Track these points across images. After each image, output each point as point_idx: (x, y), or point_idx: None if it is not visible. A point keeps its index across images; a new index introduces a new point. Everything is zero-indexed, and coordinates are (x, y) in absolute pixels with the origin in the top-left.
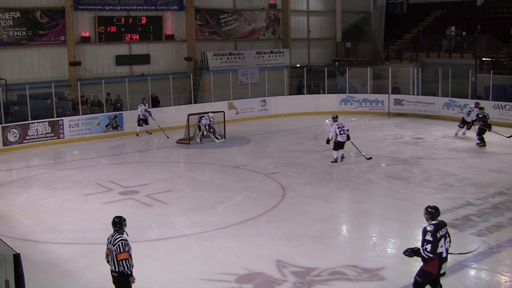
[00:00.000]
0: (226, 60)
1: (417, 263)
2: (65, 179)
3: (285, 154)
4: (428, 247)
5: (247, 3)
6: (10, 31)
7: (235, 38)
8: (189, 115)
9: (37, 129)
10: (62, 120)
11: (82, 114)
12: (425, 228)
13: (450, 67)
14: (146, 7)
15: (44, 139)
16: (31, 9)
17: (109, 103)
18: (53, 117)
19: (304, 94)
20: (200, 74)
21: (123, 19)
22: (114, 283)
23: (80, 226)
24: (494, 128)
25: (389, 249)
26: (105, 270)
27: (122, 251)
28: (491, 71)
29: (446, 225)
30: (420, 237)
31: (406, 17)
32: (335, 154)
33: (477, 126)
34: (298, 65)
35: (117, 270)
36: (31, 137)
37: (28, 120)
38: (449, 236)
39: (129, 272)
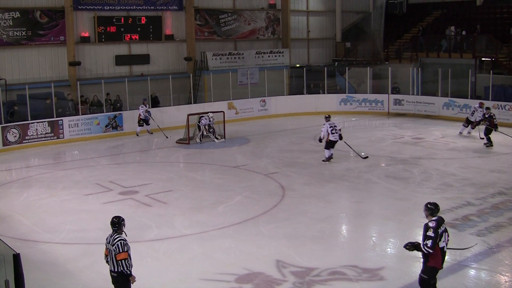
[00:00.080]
0: (226, 60)
1: (417, 263)
2: (65, 179)
3: (285, 154)
4: (429, 242)
5: (247, 3)
6: (9, 31)
7: (234, 38)
8: (188, 115)
9: (36, 129)
10: (61, 120)
11: (82, 114)
12: (426, 224)
13: (450, 67)
14: (146, 7)
15: (43, 139)
16: (31, 9)
17: (109, 103)
18: (53, 117)
19: (304, 94)
20: (200, 74)
21: (122, 19)
22: (113, 283)
23: (79, 226)
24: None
25: (389, 249)
26: (105, 270)
27: (121, 251)
28: (491, 71)
29: (444, 221)
30: (420, 237)
31: (406, 17)
32: (327, 153)
33: (483, 126)
34: (297, 65)
35: (116, 270)
36: (31, 137)
37: (28, 120)
38: (447, 231)
39: (129, 272)
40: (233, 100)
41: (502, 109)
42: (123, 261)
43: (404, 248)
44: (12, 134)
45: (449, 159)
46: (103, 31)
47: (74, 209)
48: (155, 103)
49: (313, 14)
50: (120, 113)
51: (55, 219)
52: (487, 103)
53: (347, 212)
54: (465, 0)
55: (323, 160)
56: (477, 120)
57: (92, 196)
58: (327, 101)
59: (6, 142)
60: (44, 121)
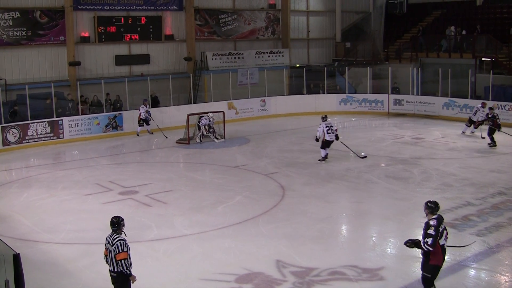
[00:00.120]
0: (226, 60)
1: (417, 263)
2: (65, 179)
3: (285, 154)
4: (429, 240)
5: (247, 3)
6: (9, 31)
7: (234, 38)
8: (188, 115)
9: (36, 129)
10: (61, 120)
11: (82, 114)
12: (428, 222)
13: (450, 67)
14: (146, 7)
15: (43, 139)
16: (31, 9)
17: (109, 103)
18: (53, 117)
19: (303, 94)
20: (200, 74)
21: (122, 19)
22: (113, 283)
23: (79, 226)
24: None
25: (388, 249)
26: (105, 270)
27: (120, 251)
28: (491, 71)
29: (443, 219)
30: (420, 237)
31: (406, 17)
32: (323, 152)
33: (486, 126)
34: (297, 65)
35: (116, 270)
36: (31, 137)
37: (28, 120)
38: (446, 229)
39: (128, 272)
40: (233, 100)
41: (502, 109)
42: (122, 261)
43: (405, 245)
44: (12, 134)
45: (449, 159)
46: (103, 31)
47: (74, 209)
48: (155, 103)
49: (313, 14)
50: (120, 113)
51: (55, 219)
52: (487, 103)
53: (347, 212)
54: (465, 0)
55: (319, 160)
56: (479, 120)
57: (92, 196)
58: (327, 101)
59: (6, 142)
60: (44, 121)
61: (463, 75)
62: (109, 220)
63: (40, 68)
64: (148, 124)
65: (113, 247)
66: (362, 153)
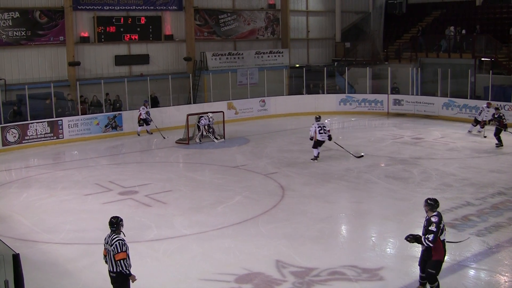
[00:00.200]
0: (225, 60)
1: (416, 263)
2: (65, 179)
3: (285, 154)
4: (431, 236)
5: (246, 3)
6: (9, 31)
7: (234, 38)
8: (188, 115)
9: (36, 129)
10: (61, 120)
11: (81, 114)
12: (429, 218)
13: (449, 67)
14: (145, 7)
15: (43, 139)
16: (30, 9)
17: (108, 103)
18: (52, 117)
19: (303, 94)
20: (200, 74)
21: (122, 19)
22: (112, 284)
23: (79, 226)
24: (486, 127)
25: (388, 249)
26: (104, 270)
27: (119, 251)
28: (490, 71)
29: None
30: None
31: (405, 17)
32: (315, 152)
33: (490, 126)
34: (297, 65)
35: (115, 270)
36: (30, 137)
37: (28, 120)
38: (444, 225)
39: (128, 272)
40: (232, 100)
41: (501, 109)
42: (121, 261)
43: (405, 240)
44: (12, 134)
45: (448, 159)
46: (102, 31)
47: (74, 209)
48: (155, 103)
49: (313, 14)
50: (119, 113)
51: (54, 219)
52: (493, 104)
53: (347, 212)
54: (465, 0)
55: (311, 159)
56: (484, 119)
57: (91, 196)
58: (327, 101)
59: (5, 142)
60: (44, 121)
61: (462, 75)
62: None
63: (40, 68)
64: (148, 124)
65: (112, 247)
66: (362, 153)
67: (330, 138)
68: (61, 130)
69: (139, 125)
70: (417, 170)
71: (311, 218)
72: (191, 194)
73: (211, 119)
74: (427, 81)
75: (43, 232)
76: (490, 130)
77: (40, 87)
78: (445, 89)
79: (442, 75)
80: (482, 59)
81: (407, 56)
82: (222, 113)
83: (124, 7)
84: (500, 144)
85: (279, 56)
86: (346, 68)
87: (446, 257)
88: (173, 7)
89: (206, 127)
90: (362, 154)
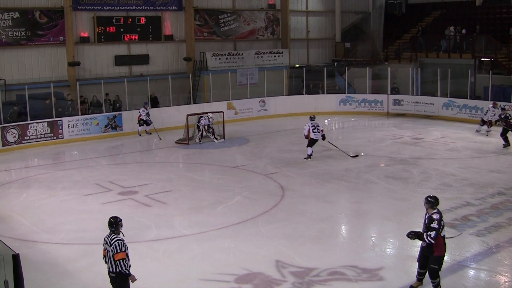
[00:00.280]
0: (225, 60)
1: (416, 263)
2: (64, 179)
3: (284, 154)
4: (433, 233)
5: (246, 3)
6: (9, 31)
7: (234, 38)
8: (188, 115)
9: (36, 130)
10: (61, 120)
11: (81, 115)
12: (431, 216)
13: (449, 67)
14: (145, 7)
15: (43, 139)
16: (30, 9)
17: (108, 103)
18: (52, 118)
19: (303, 94)
20: (199, 75)
21: (122, 19)
22: (111, 284)
23: (79, 226)
24: (493, 128)
25: (388, 249)
26: (104, 271)
27: (119, 251)
28: (490, 71)
29: None
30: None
31: (405, 17)
32: (309, 150)
33: (500, 127)
34: (297, 65)
35: (114, 270)
36: (30, 137)
37: (27, 120)
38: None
39: (127, 272)
40: (232, 100)
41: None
42: (121, 261)
43: (407, 237)
44: (12, 134)
45: (448, 159)
46: (102, 31)
47: (74, 209)
48: (155, 103)
49: (313, 14)
50: (119, 114)
51: (54, 219)
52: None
53: (347, 212)
54: (465, 0)
55: (305, 158)
56: (490, 119)
57: (91, 196)
58: (327, 102)
59: (5, 143)
60: (44, 121)
61: (462, 75)
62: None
63: (40, 68)
64: (148, 124)
65: (111, 247)
66: (357, 153)
67: (324, 137)
68: (61, 130)
69: (140, 125)
70: (417, 170)
71: (311, 218)
72: (191, 194)
73: (211, 119)
74: (427, 81)
75: (43, 232)
76: (497, 130)
77: (40, 87)
78: (445, 89)
79: (442, 75)
80: (482, 59)
81: (407, 56)
82: (222, 113)
83: (124, 7)
84: (507, 144)
85: (279, 56)
86: (346, 68)
87: (446, 257)
88: (173, 7)
89: (206, 127)
90: (357, 154)
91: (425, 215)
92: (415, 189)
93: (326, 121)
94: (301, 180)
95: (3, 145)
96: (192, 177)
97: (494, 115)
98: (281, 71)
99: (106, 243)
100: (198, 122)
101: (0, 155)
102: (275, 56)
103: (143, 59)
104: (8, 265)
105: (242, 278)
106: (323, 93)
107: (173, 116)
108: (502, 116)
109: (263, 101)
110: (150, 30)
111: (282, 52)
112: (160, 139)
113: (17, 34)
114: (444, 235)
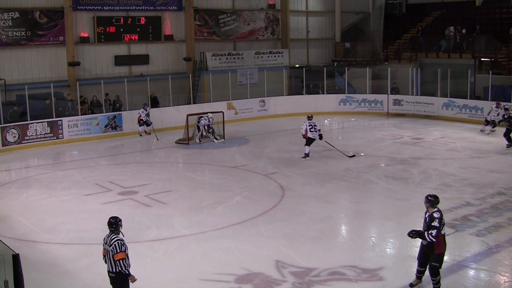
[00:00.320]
0: (225, 60)
1: (416, 263)
2: (64, 180)
3: (284, 155)
4: (434, 232)
5: (246, 4)
6: (9, 31)
7: (234, 38)
8: (188, 115)
9: (36, 130)
10: (61, 120)
11: (81, 115)
12: (431, 214)
13: (449, 67)
14: (145, 8)
15: (43, 139)
16: (30, 9)
17: (108, 103)
18: (52, 118)
19: (303, 94)
20: (199, 75)
21: (122, 19)
22: (111, 284)
23: (79, 226)
24: (497, 128)
25: (388, 250)
26: (104, 271)
27: (118, 251)
28: (490, 71)
29: None
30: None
31: (405, 17)
32: (307, 149)
33: (503, 127)
34: (297, 66)
35: (114, 270)
36: (30, 137)
37: (27, 121)
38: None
39: (127, 272)
40: (232, 100)
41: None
42: (121, 261)
43: (408, 236)
44: (12, 134)
45: (448, 159)
46: (102, 31)
47: (74, 210)
48: (155, 103)
49: (313, 15)
50: (119, 114)
51: (54, 219)
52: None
53: (347, 212)
54: (464, 1)
55: (302, 157)
56: (493, 119)
57: (91, 196)
58: (327, 102)
59: (5, 143)
60: (44, 122)
61: (462, 75)
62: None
63: (40, 68)
64: (147, 125)
65: (111, 247)
66: (362, 153)
67: (321, 137)
68: (61, 130)
69: (140, 125)
70: (416, 170)
71: (311, 218)
72: (191, 194)
73: (210, 119)
74: (427, 81)
75: (43, 232)
76: (500, 130)
77: (40, 87)
78: (445, 89)
79: (442, 75)
80: (482, 59)
81: (407, 56)
82: (222, 113)
83: (124, 7)
84: (510, 144)
85: (279, 56)
86: (346, 68)
87: (446, 257)
88: (173, 7)
89: (206, 127)
90: (354, 154)
91: (425, 214)
92: (415, 189)
93: (326, 121)
94: (301, 180)
95: (3, 145)
96: (192, 177)
97: (498, 115)
98: (281, 71)
99: (106, 243)
100: (198, 122)
101: (0, 155)
102: (275, 56)
103: (143, 59)
104: (8, 265)
105: (242, 278)
106: (323, 93)
107: (173, 116)
108: (505, 117)
109: (263, 101)
110: (150, 30)
111: (282, 52)
112: (157, 139)
113: (17, 34)
114: (445, 233)
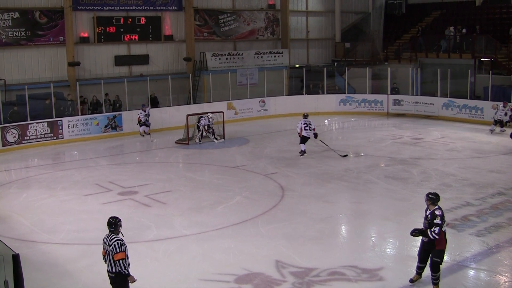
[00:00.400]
0: (225, 60)
1: (416, 263)
2: (64, 180)
3: (284, 155)
4: (436, 229)
5: (246, 4)
6: (9, 31)
7: (234, 38)
8: (188, 115)
9: (36, 130)
10: (61, 120)
11: (81, 115)
12: (433, 212)
13: (449, 67)
14: (145, 8)
15: (43, 139)
16: (30, 9)
17: (108, 104)
18: (52, 118)
19: (303, 94)
20: (199, 75)
21: (122, 19)
22: (111, 284)
23: (79, 226)
24: (496, 128)
25: (388, 250)
26: (104, 271)
27: (118, 251)
28: (490, 71)
29: None
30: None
31: (405, 17)
32: (302, 147)
33: (510, 128)
34: (297, 66)
35: (114, 270)
36: (30, 137)
37: (27, 121)
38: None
39: (127, 272)
40: (232, 100)
41: None
42: (120, 261)
43: (411, 235)
44: (12, 134)
45: (448, 159)
46: (102, 31)
47: (74, 210)
48: (155, 103)
49: (313, 15)
50: (119, 114)
51: (54, 219)
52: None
53: (347, 212)
54: (465, 1)
55: (300, 155)
56: (499, 118)
57: (91, 196)
58: (327, 102)
59: (5, 143)
60: (44, 122)
61: (462, 75)
62: None
63: (40, 68)
64: (147, 126)
65: (111, 247)
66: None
67: (316, 135)
68: (61, 131)
69: (140, 125)
70: (416, 171)
71: (311, 218)
72: (190, 195)
73: (210, 120)
74: (427, 81)
75: (42, 232)
76: (507, 131)
77: (40, 87)
78: (444, 89)
79: (442, 75)
80: (482, 59)
81: (407, 57)
82: (222, 113)
83: (124, 7)
84: None
85: (278, 56)
86: (346, 68)
87: (446, 258)
88: (173, 7)
89: (205, 127)
90: (347, 154)
91: (425, 212)
92: (415, 189)
93: (326, 121)
94: (301, 180)
95: (3, 145)
96: (192, 177)
97: (505, 114)
98: (281, 71)
99: (106, 243)
100: (198, 122)
101: (0, 155)
102: (275, 56)
103: (143, 59)
104: (8, 265)
105: (242, 278)
106: (323, 93)
107: (173, 116)
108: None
109: (263, 101)
110: (150, 30)
111: (282, 52)
112: (152, 141)
113: (17, 34)
114: (445, 230)
